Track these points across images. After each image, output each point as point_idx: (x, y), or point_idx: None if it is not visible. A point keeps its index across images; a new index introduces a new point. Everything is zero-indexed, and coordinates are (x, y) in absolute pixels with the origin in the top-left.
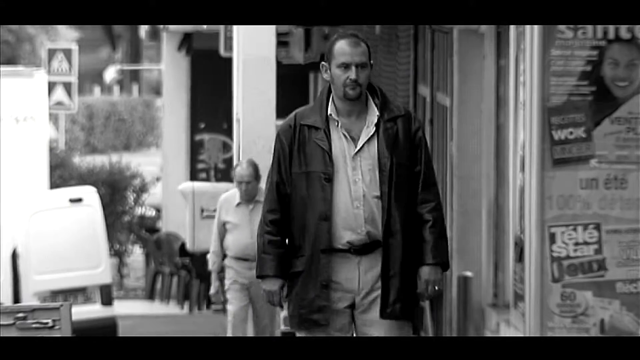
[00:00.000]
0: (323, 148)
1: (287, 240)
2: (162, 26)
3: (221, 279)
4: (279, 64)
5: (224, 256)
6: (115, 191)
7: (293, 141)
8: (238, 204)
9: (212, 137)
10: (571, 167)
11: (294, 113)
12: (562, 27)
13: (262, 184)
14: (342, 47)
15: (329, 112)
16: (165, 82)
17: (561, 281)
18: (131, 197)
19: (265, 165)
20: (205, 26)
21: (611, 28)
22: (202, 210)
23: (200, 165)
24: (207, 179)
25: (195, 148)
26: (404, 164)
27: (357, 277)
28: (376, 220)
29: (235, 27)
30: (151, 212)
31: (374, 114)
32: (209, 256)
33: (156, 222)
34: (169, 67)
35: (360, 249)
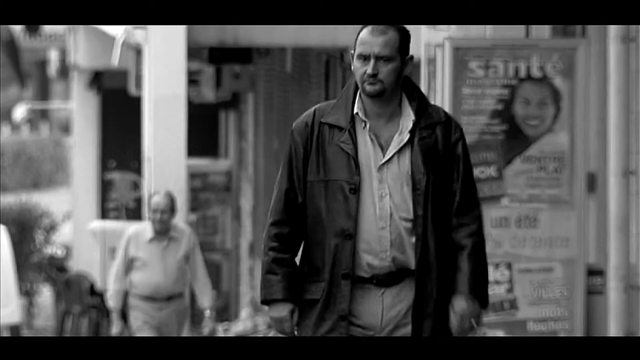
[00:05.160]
0: (348, 153)
1: (296, 259)
2: (71, 64)
3: (124, 318)
4: (189, 103)
5: (125, 294)
6: (24, 230)
7: (310, 142)
8: (151, 240)
9: (122, 176)
10: (483, 206)
11: (313, 108)
12: (472, 65)
13: (176, 219)
14: (362, 36)
15: (355, 111)
16: (75, 120)
17: None
18: (41, 236)
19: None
20: (115, 64)
21: (522, 67)
22: (113, 250)
23: (111, 204)
24: (118, 218)
25: (105, 187)
26: (442, 182)
27: (380, 313)
28: (404, 245)
29: (145, 65)
30: (61, 252)
31: (409, 118)
32: (109, 294)
33: (65, 261)
34: (79, 106)
35: (384, 280)
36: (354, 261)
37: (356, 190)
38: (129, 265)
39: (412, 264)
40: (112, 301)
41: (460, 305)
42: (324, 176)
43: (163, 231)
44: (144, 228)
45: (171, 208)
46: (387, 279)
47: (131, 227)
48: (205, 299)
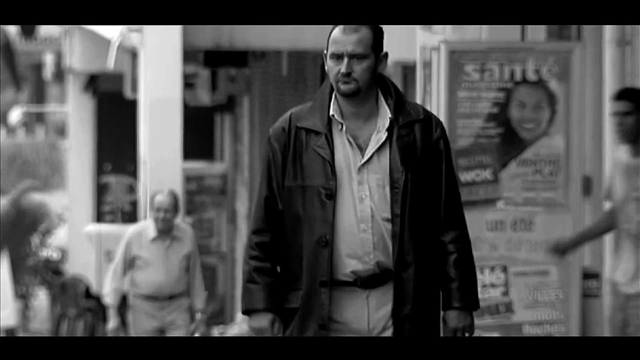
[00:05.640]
0: (324, 157)
1: (278, 268)
2: (67, 67)
3: (122, 315)
4: (185, 106)
5: (124, 297)
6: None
7: (287, 148)
8: (154, 239)
9: (118, 179)
10: (478, 209)
11: (289, 113)
12: (468, 69)
13: (179, 220)
14: (334, 35)
15: (331, 113)
16: (70, 123)
17: None
18: (36, 239)
19: None
20: (111, 67)
21: (518, 70)
22: (109, 253)
23: (107, 208)
24: (114, 221)
25: (101, 190)
26: (421, 180)
27: (367, 315)
28: (387, 246)
29: (141, 69)
30: (57, 255)
31: (385, 116)
32: (106, 291)
33: (60, 264)
34: (75, 109)
35: (368, 281)
36: (334, 267)
37: (332, 195)
38: (130, 264)
39: None
40: (109, 298)
41: (452, 321)
42: (301, 182)
43: (166, 230)
44: (146, 227)
45: (174, 207)
46: (371, 280)
47: (132, 227)
48: (199, 301)
